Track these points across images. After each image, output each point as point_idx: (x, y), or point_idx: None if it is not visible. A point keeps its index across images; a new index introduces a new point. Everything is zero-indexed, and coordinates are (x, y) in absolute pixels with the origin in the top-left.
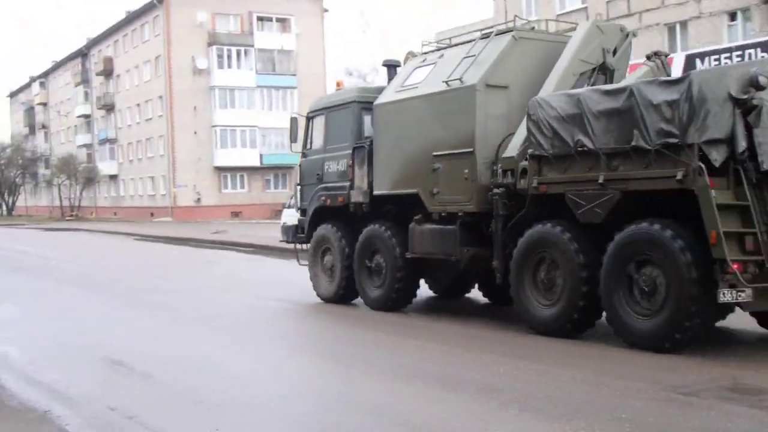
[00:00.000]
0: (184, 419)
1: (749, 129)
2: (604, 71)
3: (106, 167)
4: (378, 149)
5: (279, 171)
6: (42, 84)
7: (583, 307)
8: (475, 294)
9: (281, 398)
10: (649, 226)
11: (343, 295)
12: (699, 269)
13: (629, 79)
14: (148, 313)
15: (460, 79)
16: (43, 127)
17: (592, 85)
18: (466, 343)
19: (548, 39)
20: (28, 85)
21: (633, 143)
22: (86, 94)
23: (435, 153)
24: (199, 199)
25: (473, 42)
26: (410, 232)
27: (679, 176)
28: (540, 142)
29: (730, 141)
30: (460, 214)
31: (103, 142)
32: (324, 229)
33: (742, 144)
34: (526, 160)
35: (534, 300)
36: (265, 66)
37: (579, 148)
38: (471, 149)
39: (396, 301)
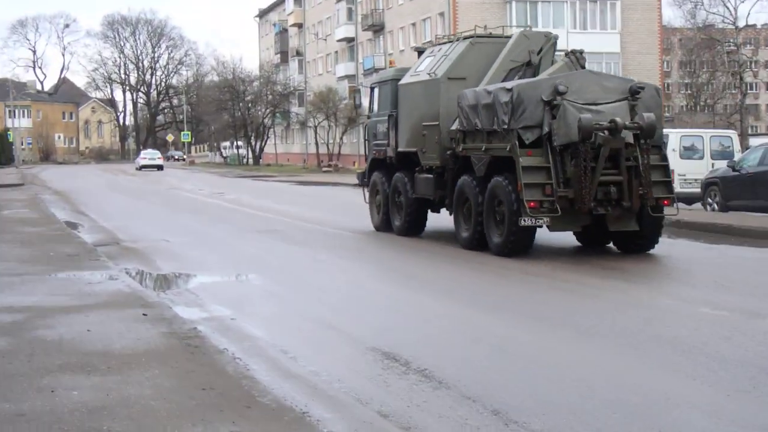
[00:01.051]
0: None
1: (553, 119)
2: (531, 67)
3: None
4: (400, 118)
5: None
6: (297, 0)
7: (480, 231)
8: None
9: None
10: (499, 179)
11: (384, 225)
12: (518, 205)
13: (547, 72)
14: (430, 297)
15: (434, 72)
16: (298, 54)
17: (522, 77)
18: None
19: (498, 42)
20: (280, 2)
21: (494, 126)
22: (350, 11)
23: (423, 123)
24: None
25: (451, 43)
26: (414, 179)
27: (508, 148)
28: (462, 121)
29: (540, 127)
30: (434, 167)
31: (369, 72)
32: (375, 176)
33: (545, 129)
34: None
35: (462, 226)
36: None
37: (475, 128)
38: (437, 123)
39: (408, 229)
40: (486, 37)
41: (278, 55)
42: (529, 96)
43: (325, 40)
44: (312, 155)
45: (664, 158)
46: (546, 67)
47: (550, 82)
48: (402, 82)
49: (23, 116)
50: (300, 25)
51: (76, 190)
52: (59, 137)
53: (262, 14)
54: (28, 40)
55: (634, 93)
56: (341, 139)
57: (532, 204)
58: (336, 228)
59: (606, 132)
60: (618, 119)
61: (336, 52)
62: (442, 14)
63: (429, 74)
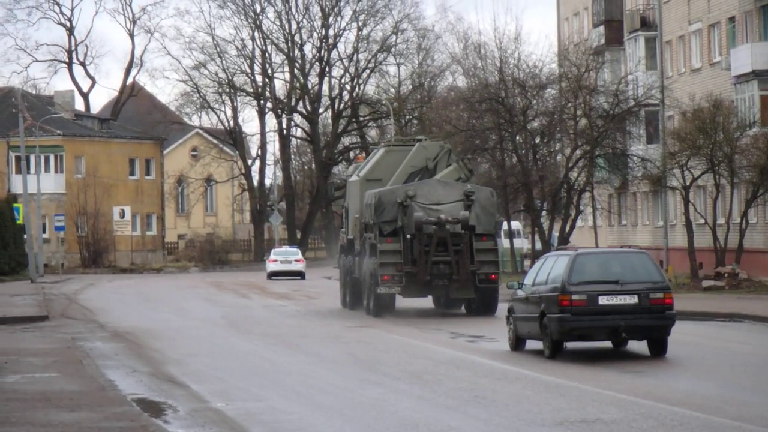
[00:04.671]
0: None
1: (406, 214)
2: (428, 171)
3: None
4: (348, 210)
5: None
6: None
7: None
8: None
9: None
10: (370, 259)
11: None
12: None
13: (440, 175)
14: None
15: (359, 174)
16: (645, 24)
17: (420, 179)
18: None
19: (407, 150)
20: None
21: (368, 221)
22: None
23: (354, 216)
24: None
25: (375, 149)
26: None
27: (372, 237)
28: (363, 216)
29: (396, 221)
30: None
31: None
32: (341, 260)
33: (399, 223)
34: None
35: (346, 292)
36: None
37: (362, 221)
38: (358, 215)
39: (354, 304)
40: (399, 146)
41: (600, 28)
42: (389, 199)
43: None
44: (678, 251)
45: (495, 243)
46: (441, 169)
47: (404, 189)
48: (348, 179)
49: (47, 169)
50: None
51: (155, 331)
52: (122, 213)
53: None
54: (57, 3)
55: (467, 195)
56: (744, 211)
57: (385, 277)
58: None
59: (433, 225)
60: (442, 216)
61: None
62: None
63: (357, 175)
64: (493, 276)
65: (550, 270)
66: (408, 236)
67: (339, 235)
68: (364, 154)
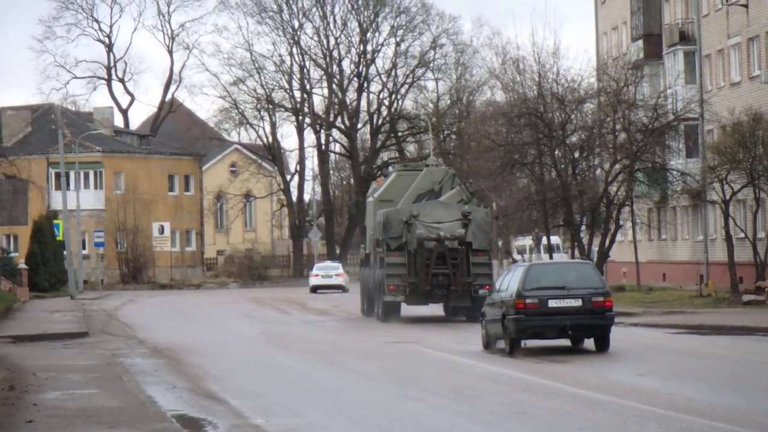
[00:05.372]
0: None
1: (410, 231)
2: (434, 193)
3: None
4: (366, 228)
5: None
6: None
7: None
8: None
9: None
10: (380, 271)
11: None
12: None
13: (444, 197)
14: None
15: (373, 195)
16: (684, 38)
17: (427, 200)
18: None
19: (416, 173)
20: None
21: (378, 237)
22: None
23: (370, 233)
24: None
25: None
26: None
27: (381, 251)
28: (377, 231)
29: (401, 237)
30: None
31: None
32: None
33: (404, 239)
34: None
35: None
36: None
37: (375, 237)
38: (372, 232)
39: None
40: (409, 170)
41: (639, 42)
42: (395, 218)
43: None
44: (718, 266)
45: (489, 258)
46: (446, 192)
47: (408, 209)
48: (367, 200)
49: (86, 185)
50: None
51: (195, 347)
52: (161, 229)
53: None
54: (96, 20)
55: (464, 215)
56: None
57: (391, 287)
58: None
59: (434, 242)
60: (441, 233)
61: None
62: None
63: (372, 196)
64: (487, 287)
65: (510, 279)
66: (411, 251)
67: (360, 251)
68: (383, 177)
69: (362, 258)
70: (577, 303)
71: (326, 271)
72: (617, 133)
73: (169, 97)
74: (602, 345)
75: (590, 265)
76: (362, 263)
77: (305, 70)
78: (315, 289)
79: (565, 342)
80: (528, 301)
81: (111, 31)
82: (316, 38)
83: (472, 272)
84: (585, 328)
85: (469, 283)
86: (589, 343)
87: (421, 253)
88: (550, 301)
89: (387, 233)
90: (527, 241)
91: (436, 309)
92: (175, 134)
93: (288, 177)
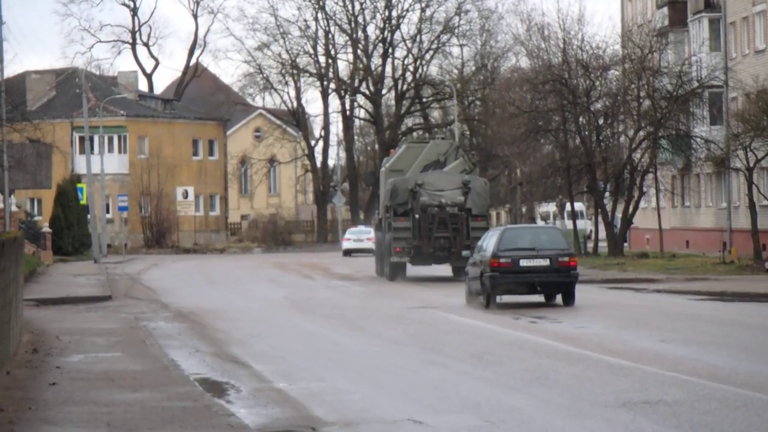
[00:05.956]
0: None
1: (415, 198)
2: (439, 164)
3: None
4: (379, 195)
5: None
6: None
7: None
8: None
9: None
10: (387, 234)
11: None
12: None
13: (448, 167)
14: None
15: (384, 165)
16: (709, 6)
17: (433, 170)
18: None
19: (424, 145)
20: None
21: (386, 203)
22: None
23: (381, 200)
24: None
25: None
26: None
27: (389, 216)
28: (385, 199)
29: (407, 203)
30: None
31: None
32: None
33: (409, 205)
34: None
35: (377, 262)
36: None
37: (385, 204)
38: (383, 199)
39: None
40: (418, 142)
41: (664, 9)
42: (402, 186)
43: None
44: (741, 233)
45: (487, 223)
46: (450, 162)
47: (413, 179)
48: (380, 170)
49: (110, 149)
50: None
51: (219, 312)
52: (185, 194)
53: None
54: None
55: (465, 184)
56: None
57: (397, 249)
58: None
59: (436, 208)
60: (443, 200)
61: None
62: None
63: (384, 166)
64: None
65: (489, 241)
66: (416, 216)
67: (375, 216)
68: (396, 148)
69: (376, 223)
70: (545, 262)
71: (358, 236)
72: (641, 100)
73: (193, 61)
74: (569, 300)
75: (557, 230)
76: (376, 228)
77: (330, 36)
78: (348, 252)
79: (558, 303)
80: (502, 260)
81: None
82: (341, 3)
83: (471, 236)
84: (552, 285)
85: (468, 245)
86: (585, 302)
87: (424, 218)
88: (521, 261)
89: (394, 200)
90: (551, 208)
91: (441, 270)
92: (200, 99)
93: (312, 142)
